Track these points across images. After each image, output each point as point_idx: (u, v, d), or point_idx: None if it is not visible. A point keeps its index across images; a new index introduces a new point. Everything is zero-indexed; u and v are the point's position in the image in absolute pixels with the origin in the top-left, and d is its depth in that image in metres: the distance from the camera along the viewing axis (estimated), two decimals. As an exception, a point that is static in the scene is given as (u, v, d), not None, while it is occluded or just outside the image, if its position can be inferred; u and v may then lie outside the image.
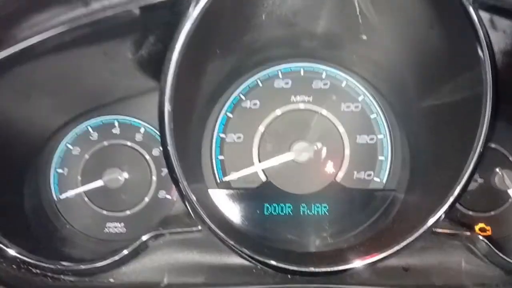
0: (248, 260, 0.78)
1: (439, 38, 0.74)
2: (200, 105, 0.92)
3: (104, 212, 0.98)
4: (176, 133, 0.73)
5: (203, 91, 0.90)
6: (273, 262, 0.74)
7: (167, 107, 0.71)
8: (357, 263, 0.74)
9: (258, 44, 0.89)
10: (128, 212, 0.98)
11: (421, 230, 0.72)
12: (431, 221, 0.72)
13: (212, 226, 0.75)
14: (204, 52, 0.78)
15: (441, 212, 0.71)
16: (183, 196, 0.75)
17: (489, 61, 0.67)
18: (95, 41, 0.73)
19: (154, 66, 0.77)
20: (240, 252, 0.76)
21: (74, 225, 0.97)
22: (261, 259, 0.75)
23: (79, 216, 0.98)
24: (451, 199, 0.71)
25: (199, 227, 0.79)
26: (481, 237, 0.77)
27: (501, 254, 0.76)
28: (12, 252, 0.76)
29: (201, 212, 0.74)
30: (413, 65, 0.84)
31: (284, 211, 0.98)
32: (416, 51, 0.81)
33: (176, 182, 0.73)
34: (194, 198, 0.74)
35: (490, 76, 0.66)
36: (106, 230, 0.98)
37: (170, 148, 0.72)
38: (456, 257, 0.81)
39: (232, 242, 0.75)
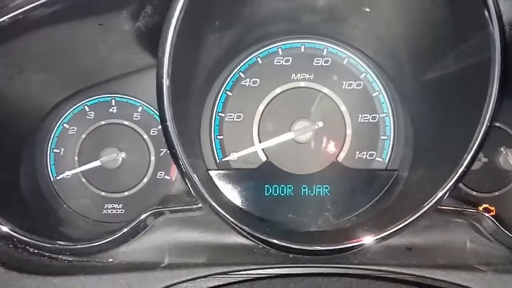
0: (249, 239, 0.76)
1: (443, 5, 0.71)
2: (199, 81, 0.89)
3: (102, 193, 0.97)
4: (175, 109, 0.71)
5: (201, 67, 0.87)
6: (275, 241, 0.73)
7: (165, 81, 0.68)
8: (362, 241, 0.72)
9: (257, 18, 0.86)
10: (126, 193, 0.97)
11: (426, 207, 0.70)
12: (435, 197, 0.70)
13: (213, 203, 0.73)
14: (202, 23, 0.76)
15: (446, 189, 0.69)
16: (183, 174, 0.73)
17: (496, 20, 0.64)
18: (90, 11, 0.70)
19: (151, 40, 0.74)
20: (241, 230, 0.74)
21: (72, 206, 0.96)
22: (263, 237, 0.73)
23: (76, 197, 0.96)
24: (457, 175, 0.69)
25: (199, 205, 0.77)
26: (487, 215, 0.75)
27: (507, 232, 0.75)
28: (5, 229, 0.74)
29: (202, 189, 0.72)
30: (415, 36, 0.82)
31: (285, 192, 0.97)
32: (419, 21, 0.78)
33: (176, 158, 0.71)
34: (194, 175, 0.72)
35: (499, 37, 0.64)
36: (104, 211, 0.96)
37: (169, 123, 0.70)
38: (461, 236, 0.79)
39: (233, 220, 0.73)
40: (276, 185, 0.96)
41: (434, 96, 0.82)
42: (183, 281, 0.74)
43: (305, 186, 0.96)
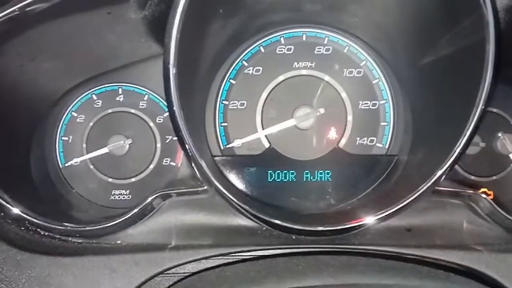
0: (253, 220, 0.79)
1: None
2: (204, 69, 0.92)
3: (110, 179, 0.99)
4: (181, 94, 0.73)
5: (206, 55, 0.90)
6: (278, 221, 0.75)
7: (172, 66, 0.71)
8: (362, 221, 0.75)
9: (260, 6, 0.88)
10: (133, 180, 0.99)
11: (424, 188, 0.73)
12: (433, 178, 0.72)
13: (218, 185, 0.76)
14: (207, 11, 0.78)
15: (443, 169, 0.72)
16: (189, 157, 0.76)
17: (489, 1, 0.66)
18: (99, 0, 0.73)
19: (158, 28, 0.77)
20: (245, 212, 0.77)
21: (80, 192, 0.98)
22: (266, 218, 0.76)
23: (84, 183, 0.99)
24: (453, 157, 0.71)
25: (205, 187, 0.80)
26: (483, 196, 0.78)
27: (503, 213, 0.77)
28: (16, 210, 0.77)
29: (207, 171, 0.75)
30: (411, 21, 0.84)
31: (288, 178, 0.99)
32: (413, 5, 0.80)
33: (182, 142, 0.74)
34: (200, 157, 0.75)
35: (492, 17, 0.65)
36: (112, 197, 0.99)
37: (176, 108, 0.72)
38: (458, 217, 0.82)
39: (237, 201, 0.76)
40: (279, 171, 0.99)
41: (431, 80, 0.84)
42: (190, 262, 0.77)
43: (307, 171, 0.99)
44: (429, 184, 0.72)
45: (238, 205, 0.76)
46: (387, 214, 0.73)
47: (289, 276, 0.68)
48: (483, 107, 0.69)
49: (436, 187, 0.76)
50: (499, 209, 0.77)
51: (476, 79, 0.68)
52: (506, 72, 0.91)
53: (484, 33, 0.66)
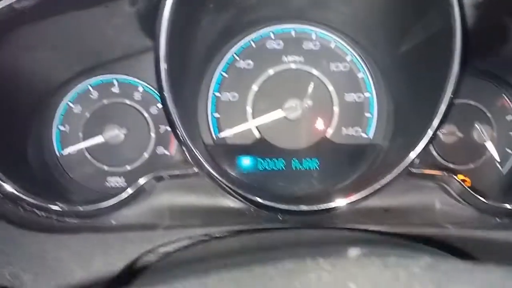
0: (240, 200, 0.83)
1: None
2: (195, 62, 0.96)
3: (105, 167, 1.03)
4: (173, 84, 0.78)
5: (197, 48, 0.94)
6: (263, 201, 0.80)
7: (162, 65, 0.76)
8: (343, 201, 0.80)
9: (250, 2, 0.93)
10: (128, 167, 1.03)
11: (398, 170, 0.78)
12: (407, 160, 0.78)
13: (209, 168, 0.80)
14: (197, 5, 0.83)
15: (415, 152, 0.77)
16: (179, 140, 0.80)
17: None
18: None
19: (150, 22, 0.81)
20: (233, 192, 0.81)
21: (76, 178, 1.02)
22: (252, 198, 0.80)
23: (81, 171, 1.02)
24: (424, 140, 0.77)
25: (196, 170, 0.84)
26: (455, 177, 0.83)
27: (473, 193, 0.82)
28: (11, 189, 0.79)
29: (197, 154, 0.79)
30: (385, 12, 0.89)
31: (277, 166, 1.03)
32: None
33: (173, 125, 0.78)
34: (189, 140, 0.79)
35: (458, 8, 0.71)
36: (107, 184, 1.02)
37: (166, 92, 0.77)
38: (432, 198, 0.87)
39: (226, 183, 0.80)
40: (268, 159, 1.03)
41: (408, 71, 0.90)
42: (181, 239, 0.80)
43: (296, 160, 1.03)
44: (403, 166, 0.77)
45: (227, 186, 0.80)
46: (365, 196, 0.78)
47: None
48: (452, 95, 0.75)
49: (413, 170, 0.81)
50: (469, 190, 0.82)
51: (444, 70, 0.74)
52: (481, 65, 0.98)
53: (451, 24, 0.72)
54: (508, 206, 0.81)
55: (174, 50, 0.77)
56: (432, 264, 0.44)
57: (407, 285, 0.42)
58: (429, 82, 0.82)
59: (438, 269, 0.43)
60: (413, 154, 0.77)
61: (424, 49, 0.83)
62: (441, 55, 0.76)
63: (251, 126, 1.03)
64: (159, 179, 0.85)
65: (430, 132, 0.76)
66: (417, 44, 0.84)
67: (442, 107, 0.75)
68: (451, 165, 1.02)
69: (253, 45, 1.05)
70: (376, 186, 0.78)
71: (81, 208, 0.82)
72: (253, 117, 1.04)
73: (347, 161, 1.03)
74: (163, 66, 0.76)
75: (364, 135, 1.05)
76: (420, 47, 0.83)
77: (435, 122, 0.76)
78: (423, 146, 0.76)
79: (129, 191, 0.82)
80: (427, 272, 0.43)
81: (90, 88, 1.04)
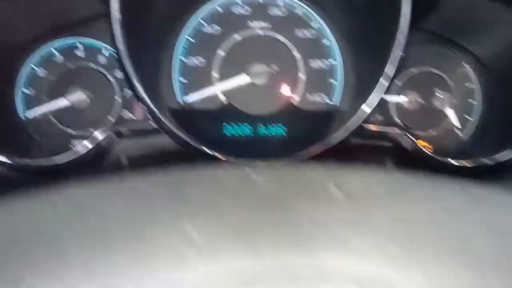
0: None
1: None
2: (158, 27, 0.96)
3: (70, 130, 1.02)
4: (132, 51, 0.78)
5: (159, 12, 0.94)
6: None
7: (117, 29, 0.76)
8: (297, 155, 0.82)
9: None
10: (93, 131, 1.02)
11: (352, 124, 0.81)
12: (360, 114, 0.81)
13: (170, 125, 0.81)
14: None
15: (368, 104, 0.80)
16: (137, 97, 0.80)
17: None
18: None
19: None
20: (196, 151, 0.82)
21: (41, 142, 1.01)
22: (209, 151, 0.81)
23: (46, 135, 1.02)
24: (376, 90, 0.79)
25: (155, 125, 0.84)
26: (405, 133, 0.85)
27: (424, 149, 0.85)
28: None
29: (161, 117, 0.80)
30: None
31: (244, 132, 1.04)
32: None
33: (130, 84, 0.78)
34: (152, 104, 0.80)
35: None
36: (73, 147, 1.02)
37: (120, 45, 0.77)
38: (386, 156, 0.89)
39: (188, 139, 0.81)
40: (234, 124, 1.04)
41: (365, 30, 0.92)
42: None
43: (262, 125, 1.04)
44: (357, 121, 0.79)
45: (189, 143, 0.81)
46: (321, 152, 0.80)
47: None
48: (403, 53, 0.77)
49: (370, 129, 0.83)
50: (420, 146, 0.85)
51: (393, 19, 0.76)
52: (441, 33, 1.00)
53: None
54: (453, 161, 0.84)
55: (129, 12, 0.77)
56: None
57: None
58: (382, 39, 0.83)
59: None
60: (365, 107, 0.79)
61: (377, 6, 0.84)
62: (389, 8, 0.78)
63: (216, 90, 1.04)
64: (118, 134, 0.85)
65: (382, 81, 0.78)
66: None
67: (394, 56, 0.77)
68: (415, 131, 1.04)
69: (220, 10, 1.05)
70: (332, 140, 0.80)
71: (39, 162, 0.82)
72: (220, 82, 1.04)
73: (314, 127, 1.04)
74: (117, 30, 0.76)
75: (330, 101, 1.06)
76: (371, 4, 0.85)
77: (388, 70, 0.77)
78: (376, 98, 0.78)
79: (87, 144, 0.82)
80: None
81: (55, 51, 1.02)
